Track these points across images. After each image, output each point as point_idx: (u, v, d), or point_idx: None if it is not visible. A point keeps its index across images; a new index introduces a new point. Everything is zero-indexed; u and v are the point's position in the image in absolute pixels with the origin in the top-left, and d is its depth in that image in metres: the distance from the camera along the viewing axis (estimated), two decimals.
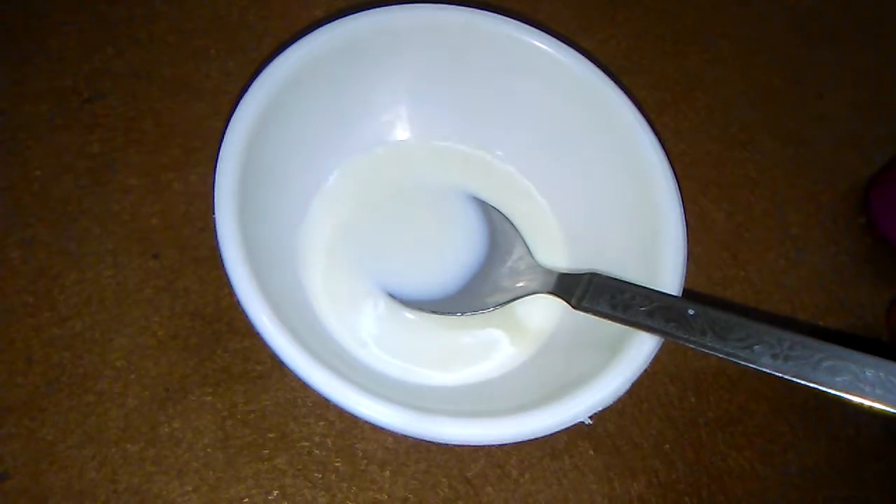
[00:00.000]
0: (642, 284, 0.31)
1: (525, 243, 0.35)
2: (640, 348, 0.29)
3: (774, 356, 0.28)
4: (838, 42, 0.49)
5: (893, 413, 0.26)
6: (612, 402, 0.28)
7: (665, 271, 0.31)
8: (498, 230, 0.36)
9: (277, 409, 0.34)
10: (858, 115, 0.46)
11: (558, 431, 0.28)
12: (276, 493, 0.32)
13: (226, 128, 0.31)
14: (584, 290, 0.31)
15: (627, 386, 0.29)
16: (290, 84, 0.32)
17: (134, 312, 0.34)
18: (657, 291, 0.30)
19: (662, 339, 0.30)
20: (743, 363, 0.28)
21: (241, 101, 0.31)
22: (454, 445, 0.34)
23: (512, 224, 0.36)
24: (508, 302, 0.33)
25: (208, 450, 0.33)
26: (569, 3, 0.46)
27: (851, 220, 0.43)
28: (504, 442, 0.28)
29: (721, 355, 0.28)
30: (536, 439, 0.28)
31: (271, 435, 0.33)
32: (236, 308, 0.35)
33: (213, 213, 0.29)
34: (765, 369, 0.28)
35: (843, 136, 0.45)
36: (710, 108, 0.45)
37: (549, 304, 0.34)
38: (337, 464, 0.33)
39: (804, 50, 0.48)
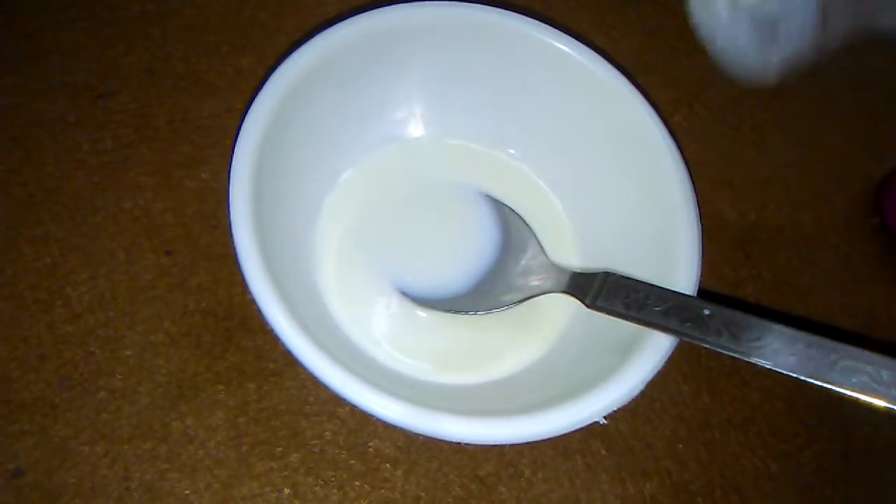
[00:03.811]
0: (657, 284, 0.31)
1: (538, 242, 0.35)
2: (656, 348, 0.29)
3: (790, 356, 0.28)
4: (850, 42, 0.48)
5: None
6: (627, 403, 0.28)
7: (680, 270, 0.31)
8: (511, 229, 0.36)
9: (289, 406, 0.34)
10: (870, 116, 0.46)
11: (573, 431, 0.28)
12: (288, 490, 0.32)
13: (240, 125, 0.31)
14: (598, 290, 0.31)
15: (643, 386, 0.29)
16: (305, 82, 0.32)
17: (146, 309, 0.34)
18: (672, 291, 0.30)
19: (677, 339, 0.29)
20: (758, 363, 0.28)
21: (256, 99, 0.31)
22: (467, 445, 0.34)
23: (525, 223, 0.36)
24: (522, 301, 0.33)
25: (221, 447, 0.33)
26: (582, 0, 0.46)
27: (863, 220, 0.43)
28: (519, 442, 0.28)
29: (737, 355, 0.28)
30: (550, 439, 0.28)
31: (283, 433, 0.33)
32: (248, 305, 0.35)
33: (228, 211, 0.29)
34: (780, 370, 0.28)
35: (855, 137, 0.45)
36: (721, 107, 0.45)
37: (563, 304, 0.33)
38: (349, 462, 0.33)
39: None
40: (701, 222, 0.32)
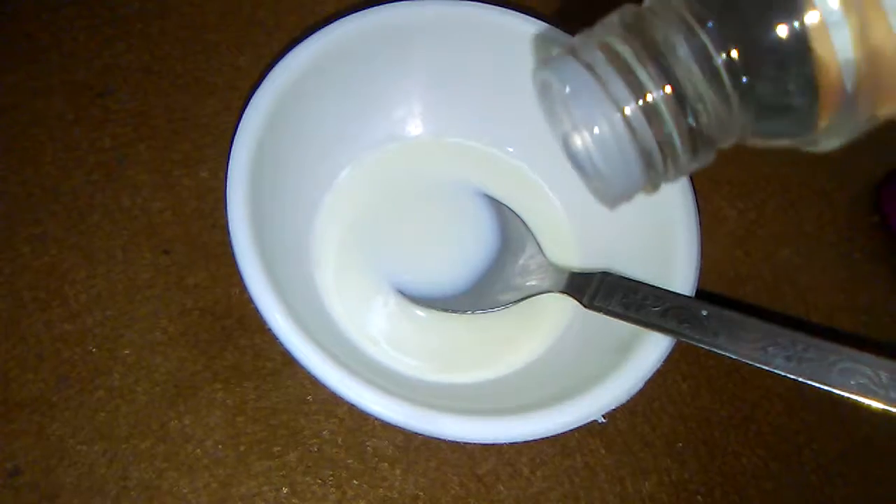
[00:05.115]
0: (655, 284, 0.31)
1: (537, 241, 0.35)
2: (653, 348, 0.29)
3: (788, 358, 0.28)
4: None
5: None
6: (625, 401, 0.28)
7: (678, 271, 0.31)
8: (509, 228, 0.36)
9: (288, 406, 0.34)
10: None
11: (571, 430, 0.28)
12: (286, 490, 0.32)
13: (238, 123, 0.31)
14: (596, 290, 0.31)
15: (640, 385, 0.29)
16: (302, 80, 0.32)
17: (144, 308, 0.34)
18: (670, 292, 0.30)
19: (675, 340, 0.29)
20: (756, 365, 0.28)
21: (253, 97, 0.31)
22: (465, 443, 0.33)
23: (523, 222, 0.36)
24: (520, 300, 0.33)
25: (219, 446, 0.33)
26: None
27: (864, 218, 0.43)
28: (517, 440, 0.28)
29: (734, 357, 0.28)
30: (548, 437, 0.28)
31: (282, 432, 0.33)
32: (246, 304, 0.35)
33: (226, 210, 0.29)
34: (778, 371, 0.28)
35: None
36: None
37: (561, 303, 0.33)
38: (347, 461, 0.33)
39: None
40: (700, 221, 0.32)
